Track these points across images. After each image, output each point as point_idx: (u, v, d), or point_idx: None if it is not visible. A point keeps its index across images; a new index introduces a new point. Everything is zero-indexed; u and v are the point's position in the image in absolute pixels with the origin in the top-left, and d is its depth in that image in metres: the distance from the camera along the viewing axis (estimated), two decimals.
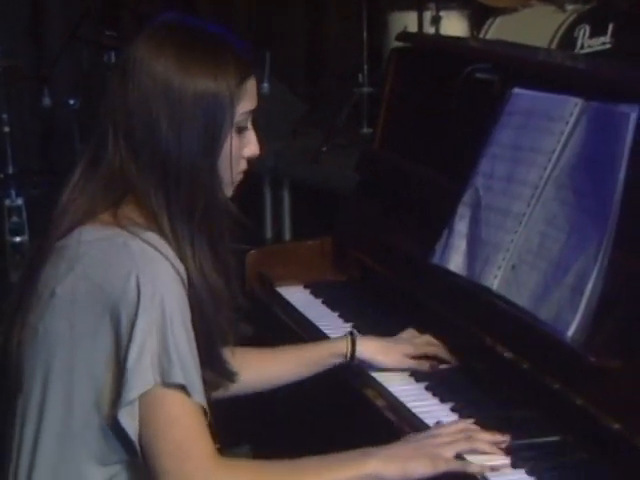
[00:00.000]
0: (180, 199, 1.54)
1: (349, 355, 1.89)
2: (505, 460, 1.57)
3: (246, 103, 1.58)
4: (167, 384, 1.46)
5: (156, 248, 1.49)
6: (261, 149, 1.64)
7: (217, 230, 1.58)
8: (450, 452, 1.56)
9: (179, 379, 1.46)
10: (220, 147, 1.56)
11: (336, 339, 1.93)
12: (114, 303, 1.47)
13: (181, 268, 1.52)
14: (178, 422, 1.47)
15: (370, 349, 1.90)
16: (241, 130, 1.60)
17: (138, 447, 1.48)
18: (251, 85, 1.59)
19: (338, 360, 1.89)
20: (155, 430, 1.47)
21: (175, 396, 1.47)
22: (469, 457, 1.57)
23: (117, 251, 1.49)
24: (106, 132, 1.56)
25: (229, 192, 1.63)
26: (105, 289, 1.48)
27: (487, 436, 1.60)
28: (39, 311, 1.55)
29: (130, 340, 1.45)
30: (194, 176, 1.54)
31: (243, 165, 1.64)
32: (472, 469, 1.55)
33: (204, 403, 1.51)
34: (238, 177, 1.64)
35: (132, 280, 1.46)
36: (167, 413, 1.47)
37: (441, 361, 1.94)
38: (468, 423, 1.64)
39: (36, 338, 1.54)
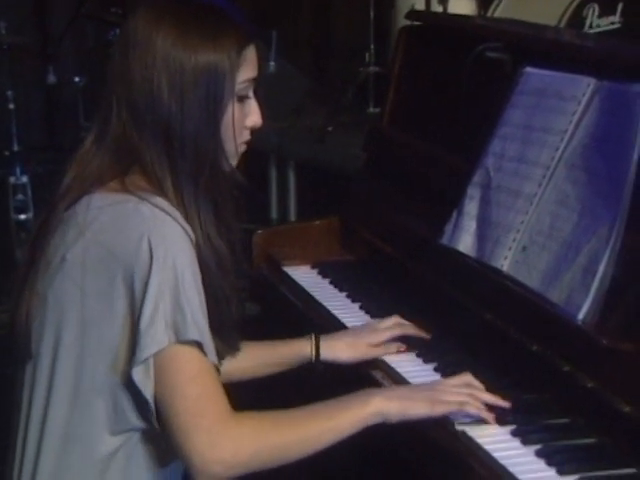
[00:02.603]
0: (185, 167, 1.56)
1: (314, 358, 1.89)
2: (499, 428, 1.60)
3: (246, 71, 1.60)
4: (182, 341, 1.49)
5: (166, 211, 1.52)
6: (263, 119, 1.65)
7: (222, 197, 1.61)
8: (450, 397, 1.61)
9: (194, 336, 1.49)
10: (222, 115, 1.58)
11: (300, 340, 1.91)
12: (126, 266, 1.49)
13: (190, 231, 1.54)
14: (195, 379, 1.50)
15: (334, 349, 1.90)
16: (242, 99, 1.62)
17: (152, 406, 1.50)
18: (251, 53, 1.61)
19: (302, 361, 1.90)
20: (172, 388, 1.49)
21: (191, 354, 1.50)
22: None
23: (127, 215, 1.51)
24: (110, 104, 1.59)
25: (234, 162, 1.65)
26: (117, 253, 1.50)
27: (489, 397, 1.63)
28: (48, 279, 1.56)
29: (143, 300, 1.48)
30: (197, 144, 1.56)
31: (246, 135, 1.65)
32: (470, 409, 1.59)
33: (217, 362, 1.54)
34: (242, 147, 1.65)
35: (144, 242, 1.48)
36: (184, 371, 1.50)
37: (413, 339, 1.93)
38: (472, 378, 1.66)
39: (45, 305, 1.56)
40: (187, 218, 1.55)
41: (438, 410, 1.60)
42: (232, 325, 1.65)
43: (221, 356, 1.62)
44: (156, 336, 1.47)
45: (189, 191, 1.56)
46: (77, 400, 1.54)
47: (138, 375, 1.48)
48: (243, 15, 1.61)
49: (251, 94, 1.63)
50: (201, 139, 1.56)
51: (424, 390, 1.65)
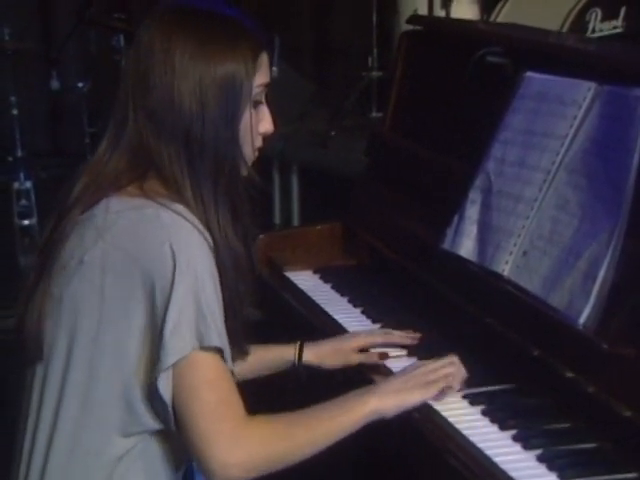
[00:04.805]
0: (204, 170, 1.58)
1: (296, 362, 1.92)
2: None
3: (261, 77, 1.63)
4: (204, 348, 1.50)
5: (185, 218, 1.53)
6: (274, 126, 1.68)
7: (239, 199, 1.63)
8: (437, 376, 1.68)
9: (216, 342, 1.51)
10: (240, 119, 1.60)
11: (287, 346, 1.95)
12: (148, 273, 1.50)
13: (208, 237, 1.55)
14: (214, 384, 1.52)
15: (318, 355, 1.92)
16: (256, 104, 1.64)
17: (172, 412, 1.51)
18: (264, 59, 1.64)
19: (286, 366, 1.93)
20: (191, 393, 1.50)
21: (211, 359, 1.51)
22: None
23: (148, 221, 1.53)
24: (126, 111, 1.60)
25: (249, 166, 1.66)
26: (139, 260, 1.51)
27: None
28: (64, 280, 1.57)
29: (167, 308, 1.49)
30: (217, 149, 1.59)
31: (258, 142, 1.68)
32: (461, 373, 1.70)
33: (232, 367, 1.56)
34: (254, 154, 1.67)
35: (167, 249, 1.49)
36: (204, 376, 1.51)
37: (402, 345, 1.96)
38: (454, 358, 1.72)
39: (60, 307, 1.57)
40: (206, 220, 1.56)
41: (432, 391, 1.67)
42: (244, 328, 1.67)
43: (233, 359, 1.62)
44: (181, 343, 1.48)
45: (208, 193, 1.58)
46: (89, 402, 1.55)
47: (162, 382, 1.49)
48: (255, 23, 1.64)
49: (264, 100, 1.66)
50: (221, 144, 1.58)
51: (412, 377, 1.68)
